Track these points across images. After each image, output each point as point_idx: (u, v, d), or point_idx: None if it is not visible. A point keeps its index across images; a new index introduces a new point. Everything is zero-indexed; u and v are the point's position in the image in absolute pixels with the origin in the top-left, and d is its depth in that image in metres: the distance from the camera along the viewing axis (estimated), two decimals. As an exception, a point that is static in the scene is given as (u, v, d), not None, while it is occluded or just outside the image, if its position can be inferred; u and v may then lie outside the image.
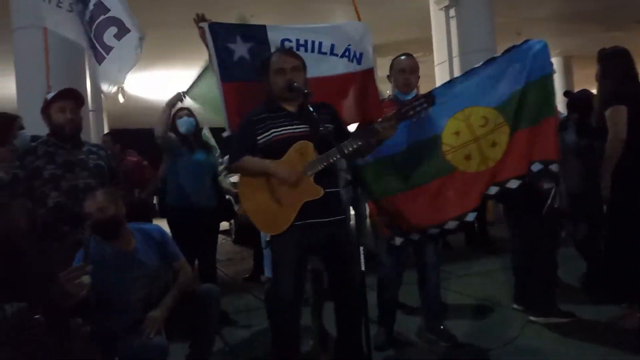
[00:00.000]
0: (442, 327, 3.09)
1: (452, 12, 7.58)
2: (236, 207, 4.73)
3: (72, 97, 2.77)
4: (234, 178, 4.47)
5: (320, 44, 2.96)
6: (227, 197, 4.72)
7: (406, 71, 3.03)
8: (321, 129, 2.31)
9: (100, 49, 3.32)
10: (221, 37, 2.82)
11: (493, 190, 2.74)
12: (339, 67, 3.00)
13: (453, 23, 7.60)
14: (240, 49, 2.86)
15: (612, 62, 3.20)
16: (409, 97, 3.00)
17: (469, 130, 2.77)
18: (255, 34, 2.88)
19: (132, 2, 3.29)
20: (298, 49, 2.85)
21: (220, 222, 4.41)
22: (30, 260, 2.70)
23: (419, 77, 3.11)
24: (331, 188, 2.39)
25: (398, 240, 2.90)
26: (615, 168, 3.02)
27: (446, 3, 7.54)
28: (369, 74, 3.04)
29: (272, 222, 2.37)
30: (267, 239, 2.48)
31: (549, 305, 3.31)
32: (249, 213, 2.42)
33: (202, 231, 3.69)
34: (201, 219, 3.67)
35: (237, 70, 2.87)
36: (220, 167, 4.30)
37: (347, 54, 3.01)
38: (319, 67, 2.94)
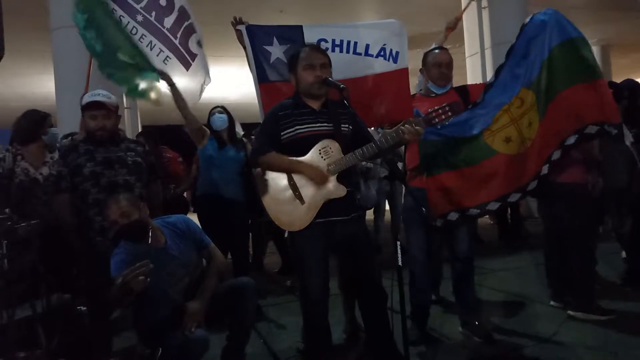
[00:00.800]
0: (476, 322, 3.05)
1: (484, 2, 7.42)
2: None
3: (101, 107, 2.78)
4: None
5: (355, 44, 2.97)
6: None
7: (442, 65, 2.99)
8: (344, 128, 2.35)
9: (187, 56, 3.46)
10: (258, 39, 2.86)
11: (545, 169, 2.76)
12: (374, 67, 3.00)
13: (485, 14, 7.43)
14: (277, 50, 2.90)
15: None
16: (444, 91, 3.00)
17: (506, 114, 2.82)
18: (292, 36, 2.91)
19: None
20: (334, 50, 2.87)
21: (252, 217, 4.44)
22: (75, 252, 2.82)
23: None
24: (350, 187, 2.42)
25: (439, 221, 2.92)
26: None
27: (478, -7, 7.39)
28: (403, 73, 3.03)
29: (293, 219, 2.35)
30: (285, 235, 2.49)
31: (589, 302, 3.23)
32: (268, 208, 2.38)
33: (232, 224, 3.74)
34: (230, 211, 3.72)
35: (274, 71, 2.91)
36: None
37: (382, 53, 3.00)
38: (354, 68, 2.95)
